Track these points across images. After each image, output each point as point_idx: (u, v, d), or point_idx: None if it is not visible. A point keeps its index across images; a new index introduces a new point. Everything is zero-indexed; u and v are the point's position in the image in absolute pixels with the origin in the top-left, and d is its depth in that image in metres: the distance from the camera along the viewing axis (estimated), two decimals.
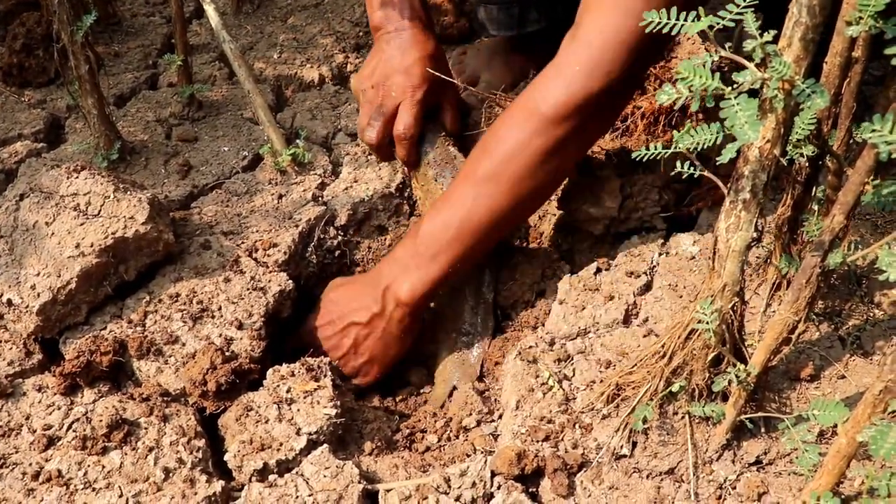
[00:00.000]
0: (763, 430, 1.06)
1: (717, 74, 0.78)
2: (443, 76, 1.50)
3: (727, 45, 0.80)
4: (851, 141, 1.09)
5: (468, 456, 1.16)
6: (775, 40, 0.78)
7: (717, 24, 0.79)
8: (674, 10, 0.84)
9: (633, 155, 0.99)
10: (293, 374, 1.20)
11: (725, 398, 1.03)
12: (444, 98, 1.55)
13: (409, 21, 1.49)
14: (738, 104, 0.75)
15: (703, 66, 0.79)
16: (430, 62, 1.48)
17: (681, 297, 1.28)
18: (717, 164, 1.15)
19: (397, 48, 1.48)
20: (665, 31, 0.83)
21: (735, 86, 0.77)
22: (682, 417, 1.06)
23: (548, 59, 1.73)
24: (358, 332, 1.36)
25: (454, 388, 1.36)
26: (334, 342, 1.38)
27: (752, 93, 0.78)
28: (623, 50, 1.16)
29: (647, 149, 1.01)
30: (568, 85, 1.20)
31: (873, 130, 0.73)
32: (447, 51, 1.99)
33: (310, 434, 1.12)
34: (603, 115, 1.28)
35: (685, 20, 0.82)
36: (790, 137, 0.93)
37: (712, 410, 1.03)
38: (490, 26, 1.81)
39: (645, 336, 1.22)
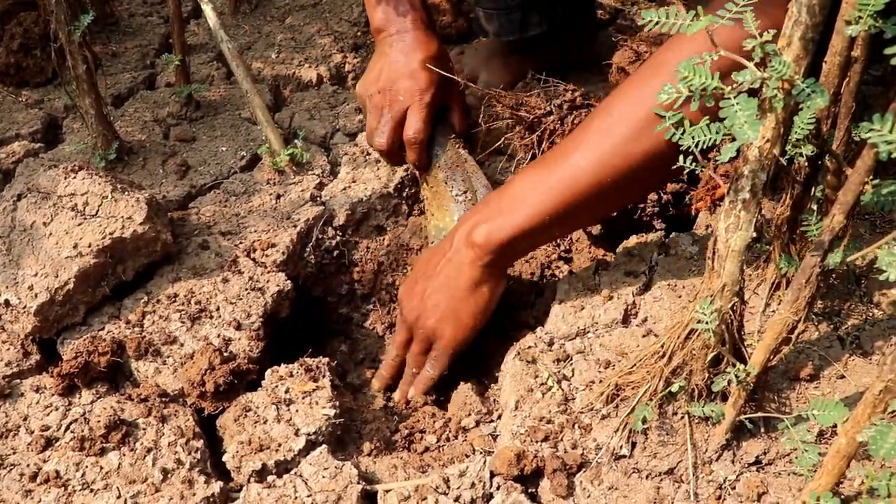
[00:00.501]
0: (762, 430, 1.05)
1: (717, 73, 0.78)
2: (448, 75, 1.49)
3: None
4: (850, 141, 1.09)
5: (467, 456, 1.16)
6: (774, 40, 0.77)
7: (717, 23, 0.78)
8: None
9: None
10: (292, 375, 1.20)
11: (725, 398, 1.03)
12: (451, 99, 1.55)
13: (411, 22, 1.48)
14: (737, 104, 0.74)
15: (703, 64, 0.79)
16: (434, 63, 1.48)
17: (680, 297, 1.27)
18: (717, 163, 1.15)
19: (401, 51, 1.48)
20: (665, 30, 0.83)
21: (734, 85, 0.77)
22: (682, 417, 1.06)
23: (547, 60, 1.74)
24: (427, 283, 1.28)
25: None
26: (411, 305, 1.31)
27: (752, 92, 0.77)
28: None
29: None
30: (700, 41, 1.09)
31: (872, 130, 0.73)
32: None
33: (308, 435, 1.12)
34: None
35: (684, 19, 0.82)
36: (789, 137, 0.93)
37: (712, 410, 1.03)
38: (491, 31, 1.80)
39: (644, 336, 1.22)
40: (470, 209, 1.31)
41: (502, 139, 1.57)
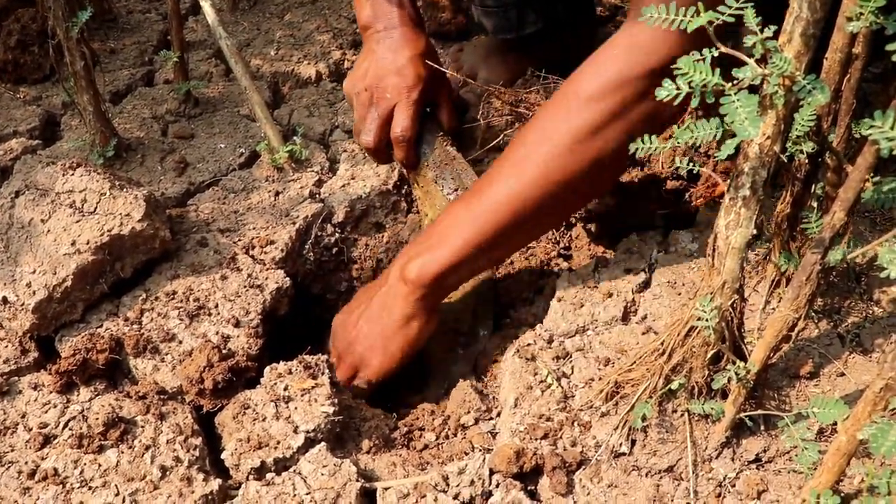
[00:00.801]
0: (762, 427, 1.05)
1: (718, 70, 0.78)
2: (440, 68, 1.49)
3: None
4: (850, 138, 1.09)
5: (466, 454, 1.16)
6: (775, 36, 0.77)
7: (717, 19, 0.78)
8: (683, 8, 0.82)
9: (630, 148, 0.98)
10: (290, 372, 1.20)
11: (725, 396, 1.03)
12: (440, 95, 1.53)
13: (398, 19, 1.47)
14: (738, 100, 0.74)
15: (703, 61, 0.79)
16: (422, 60, 1.46)
17: (679, 294, 1.27)
18: (716, 160, 1.14)
19: (388, 48, 1.46)
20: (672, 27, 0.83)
21: (735, 82, 0.77)
22: (682, 415, 1.06)
23: (545, 58, 1.73)
24: (359, 314, 1.31)
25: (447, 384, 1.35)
26: (344, 333, 1.34)
27: (752, 89, 0.77)
28: (667, 39, 1.09)
29: (643, 142, 1.00)
30: (606, 63, 1.15)
31: (874, 126, 0.73)
32: (444, 47, 1.99)
33: (307, 432, 1.12)
34: (641, 105, 1.14)
35: (684, 16, 0.81)
36: (790, 134, 0.93)
37: (712, 408, 1.02)
38: (488, 28, 1.80)
39: (644, 333, 1.22)
40: (408, 243, 1.32)
41: (501, 136, 1.57)
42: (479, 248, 1.23)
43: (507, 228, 1.22)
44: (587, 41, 1.87)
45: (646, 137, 0.94)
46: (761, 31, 0.75)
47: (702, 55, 0.80)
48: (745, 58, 0.77)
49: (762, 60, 0.77)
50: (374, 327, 1.30)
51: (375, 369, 1.31)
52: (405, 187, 1.61)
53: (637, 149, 0.94)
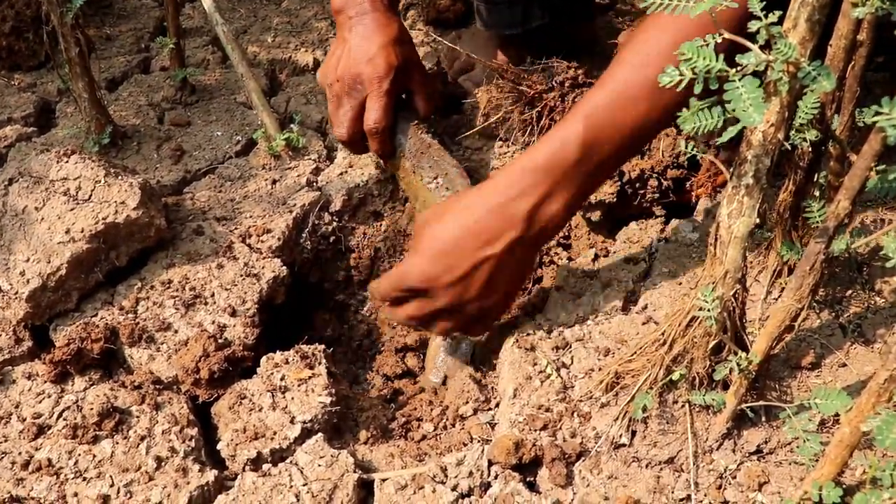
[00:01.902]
0: (764, 418, 1.04)
1: (721, 56, 0.76)
2: (413, 53, 1.44)
3: None
4: (854, 126, 1.07)
5: (465, 445, 1.15)
6: (780, 22, 0.76)
7: (721, 5, 0.77)
8: None
9: None
10: (287, 362, 1.19)
11: (726, 386, 1.02)
12: (413, 82, 1.48)
13: (369, 4, 1.42)
14: (742, 86, 0.73)
15: (706, 46, 0.77)
16: (394, 47, 1.42)
17: (680, 284, 1.26)
18: (718, 145, 1.13)
19: (360, 35, 1.42)
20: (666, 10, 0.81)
21: (739, 68, 0.75)
22: (682, 406, 1.05)
23: (545, 49, 1.72)
24: (494, 264, 1.16)
25: (445, 377, 1.34)
26: (463, 285, 1.17)
27: (755, 76, 0.76)
28: None
29: None
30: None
31: (880, 113, 0.71)
32: (443, 35, 1.97)
33: (304, 422, 1.11)
34: None
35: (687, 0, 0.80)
36: (793, 122, 0.91)
37: (713, 399, 1.01)
38: (492, 24, 1.78)
39: (644, 324, 1.21)
40: (511, 171, 1.17)
41: (502, 112, 1.55)
42: (610, 169, 1.21)
43: (637, 140, 1.17)
44: (586, 31, 1.85)
45: None
46: (765, 16, 0.74)
47: (705, 41, 0.78)
48: (748, 44, 0.76)
49: (766, 46, 0.76)
50: (514, 276, 1.20)
51: (504, 311, 1.27)
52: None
53: None
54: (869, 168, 0.80)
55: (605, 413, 1.08)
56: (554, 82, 1.49)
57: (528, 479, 1.04)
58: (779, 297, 1.18)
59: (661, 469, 1.03)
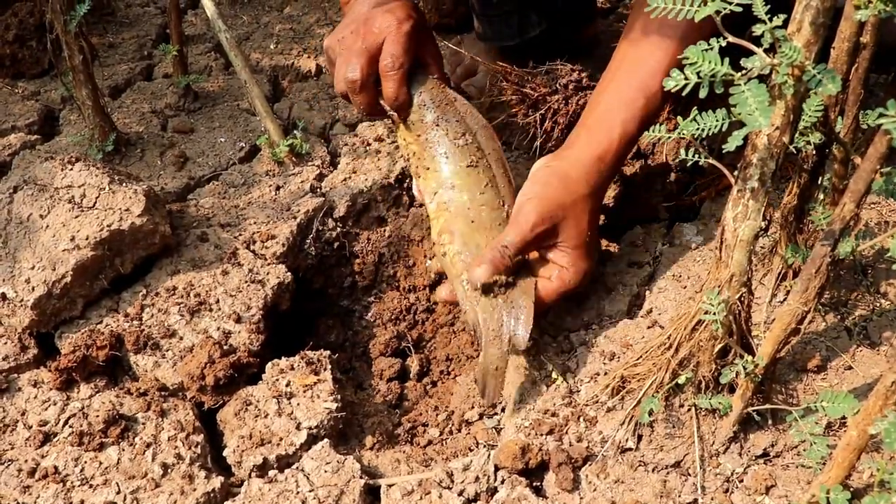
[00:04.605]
0: (770, 422, 1.04)
1: (727, 59, 0.77)
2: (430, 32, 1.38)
3: None
4: (857, 129, 1.07)
5: (471, 450, 1.15)
6: (784, 25, 0.76)
7: (725, 9, 0.77)
8: None
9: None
10: (293, 368, 1.19)
11: (732, 390, 1.02)
12: (427, 52, 1.34)
13: None
14: (748, 90, 0.73)
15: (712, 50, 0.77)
16: (411, 9, 1.31)
17: (685, 287, 1.26)
18: (723, 151, 1.13)
19: (373, 3, 1.32)
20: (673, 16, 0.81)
21: (744, 71, 0.75)
22: (689, 410, 1.04)
23: (547, 54, 1.72)
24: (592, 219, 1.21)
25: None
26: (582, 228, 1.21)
27: (760, 79, 0.76)
28: None
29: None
30: None
31: (885, 116, 0.71)
32: (445, 40, 1.97)
33: (310, 428, 1.11)
34: None
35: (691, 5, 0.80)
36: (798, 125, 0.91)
37: (719, 402, 1.01)
38: (489, 38, 1.78)
39: (649, 327, 1.21)
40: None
41: (505, 115, 1.54)
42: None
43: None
44: (587, 33, 1.85)
45: (654, 128, 0.93)
46: (770, 19, 0.74)
47: (710, 45, 0.78)
48: (753, 47, 0.76)
49: (771, 50, 0.76)
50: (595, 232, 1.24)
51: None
52: (407, 181, 1.59)
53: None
54: (874, 171, 0.80)
55: (611, 417, 1.08)
56: (558, 85, 1.48)
57: (534, 484, 1.04)
58: (784, 300, 1.18)
59: (668, 473, 1.03)
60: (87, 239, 1.25)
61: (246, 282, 1.32)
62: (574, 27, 1.81)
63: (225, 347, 1.21)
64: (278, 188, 1.55)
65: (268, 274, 1.34)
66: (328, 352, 1.22)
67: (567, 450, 1.05)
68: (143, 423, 1.14)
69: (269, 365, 1.20)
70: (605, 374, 1.14)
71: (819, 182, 1.08)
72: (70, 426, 1.14)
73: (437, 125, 1.28)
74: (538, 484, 1.04)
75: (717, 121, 0.91)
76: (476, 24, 1.81)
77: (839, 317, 1.18)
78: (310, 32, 2.06)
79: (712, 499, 1.00)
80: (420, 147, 1.29)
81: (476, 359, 1.38)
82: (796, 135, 0.95)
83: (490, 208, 1.22)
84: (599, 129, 1.23)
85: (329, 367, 1.19)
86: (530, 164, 1.56)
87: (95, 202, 1.29)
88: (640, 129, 1.23)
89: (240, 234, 1.42)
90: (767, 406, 1.02)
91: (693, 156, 1.03)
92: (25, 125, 1.75)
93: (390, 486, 1.05)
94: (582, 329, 1.24)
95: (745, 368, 0.94)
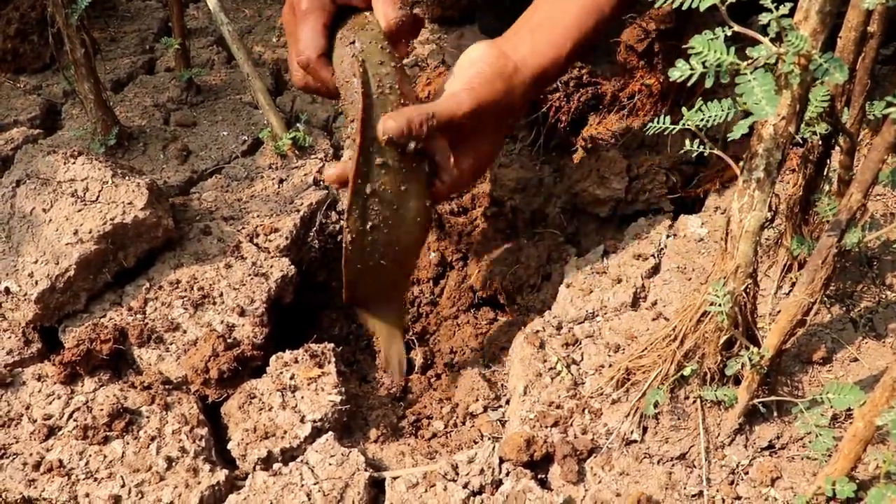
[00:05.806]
0: (776, 414, 1.04)
1: (732, 49, 0.76)
2: None
3: None
4: (863, 119, 1.07)
5: (475, 442, 1.15)
6: (790, 14, 0.75)
7: None
8: None
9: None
10: (297, 361, 1.18)
11: (738, 382, 1.02)
12: None
13: None
14: (754, 79, 0.72)
15: (717, 39, 0.77)
16: None
17: (689, 279, 1.26)
18: (728, 141, 1.13)
19: None
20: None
21: (750, 61, 0.75)
22: (694, 402, 1.04)
23: None
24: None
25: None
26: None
27: (766, 69, 0.75)
28: None
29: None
30: None
31: (893, 106, 0.71)
32: (447, 33, 1.97)
33: (314, 421, 1.11)
34: None
35: None
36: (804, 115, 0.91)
37: (724, 394, 1.01)
38: (493, 30, 1.77)
39: (654, 319, 1.20)
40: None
41: None
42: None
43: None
44: None
45: (658, 118, 0.93)
46: (776, 8, 0.74)
47: (715, 34, 0.78)
48: (759, 36, 0.76)
49: (777, 39, 0.75)
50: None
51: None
52: None
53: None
54: (882, 160, 0.80)
55: (616, 409, 1.08)
56: (559, 82, 1.48)
57: (539, 476, 1.04)
58: (789, 292, 1.18)
59: (673, 465, 1.02)
60: (90, 233, 1.25)
61: (249, 275, 1.32)
62: None
63: (229, 341, 1.20)
64: (281, 181, 1.55)
65: (271, 267, 1.34)
66: (332, 344, 1.22)
67: (572, 442, 1.04)
68: (148, 417, 1.13)
69: (272, 358, 1.20)
70: (610, 366, 1.13)
71: (825, 173, 1.08)
72: (74, 420, 1.14)
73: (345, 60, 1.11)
74: (543, 476, 1.04)
75: (722, 111, 0.91)
76: (478, 17, 1.81)
77: (845, 308, 1.18)
78: None
79: (718, 491, 0.99)
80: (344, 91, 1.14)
81: (476, 352, 1.38)
82: (802, 125, 0.95)
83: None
84: (548, 40, 1.21)
85: (333, 359, 1.19)
86: (532, 163, 1.57)
87: (98, 196, 1.29)
88: (585, 48, 1.23)
89: (243, 228, 1.42)
90: (773, 398, 1.02)
91: (698, 146, 1.02)
92: (28, 119, 1.75)
93: (395, 478, 1.05)
94: (586, 321, 1.23)
95: (750, 360, 0.94)
